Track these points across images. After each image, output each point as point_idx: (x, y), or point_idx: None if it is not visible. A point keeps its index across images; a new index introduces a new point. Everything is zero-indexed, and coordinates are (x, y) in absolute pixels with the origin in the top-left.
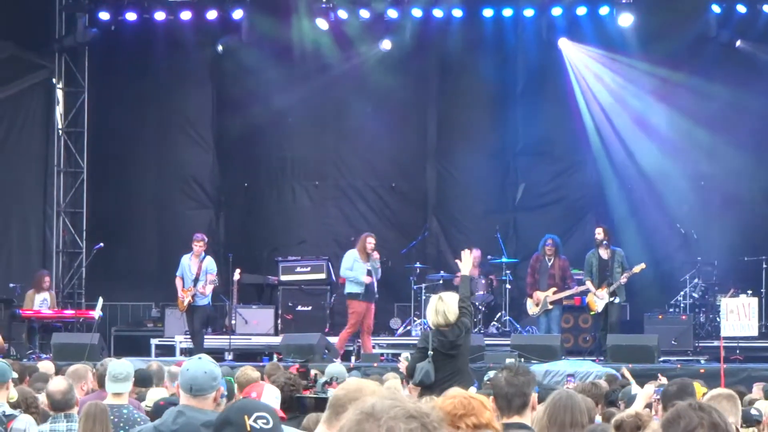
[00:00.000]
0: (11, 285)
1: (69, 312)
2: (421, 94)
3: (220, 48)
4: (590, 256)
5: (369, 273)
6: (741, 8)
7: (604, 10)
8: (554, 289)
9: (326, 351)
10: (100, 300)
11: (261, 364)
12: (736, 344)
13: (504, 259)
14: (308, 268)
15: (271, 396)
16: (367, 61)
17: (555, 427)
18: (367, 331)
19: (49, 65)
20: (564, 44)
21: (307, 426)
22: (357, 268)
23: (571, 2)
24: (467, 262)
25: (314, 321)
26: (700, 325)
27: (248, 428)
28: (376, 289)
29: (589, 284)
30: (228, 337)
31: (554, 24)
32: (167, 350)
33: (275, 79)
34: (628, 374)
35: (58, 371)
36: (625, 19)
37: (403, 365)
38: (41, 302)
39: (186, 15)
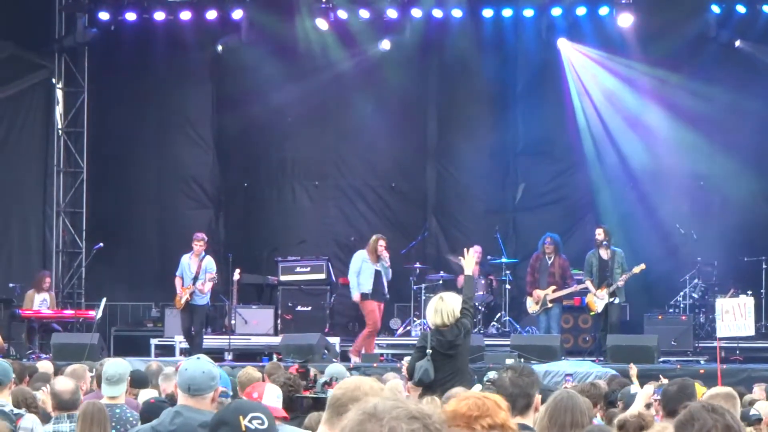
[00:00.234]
0: (11, 285)
1: (68, 312)
2: (420, 94)
3: (219, 48)
4: (590, 256)
5: (378, 274)
6: (741, 8)
7: (603, 11)
8: (554, 287)
9: (326, 351)
10: (104, 301)
11: (260, 364)
12: (736, 345)
13: (504, 260)
14: (308, 268)
15: (272, 395)
16: (367, 61)
17: (556, 427)
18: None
19: (48, 65)
20: (563, 44)
21: (309, 425)
22: (365, 269)
23: (571, 2)
24: (470, 261)
25: (314, 321)
26: (699, 326)
27: (243, 428)
28: (386, 289)
29: (589, 284)
30: (228, 337)
31: (554, 24)
32: (167, 350)
33: (275, 78)
34: (633, 373)
35: (57, 371)
36: (625, 20)
37: (405, 368)
38: (41, 302)
39: (186, 15)
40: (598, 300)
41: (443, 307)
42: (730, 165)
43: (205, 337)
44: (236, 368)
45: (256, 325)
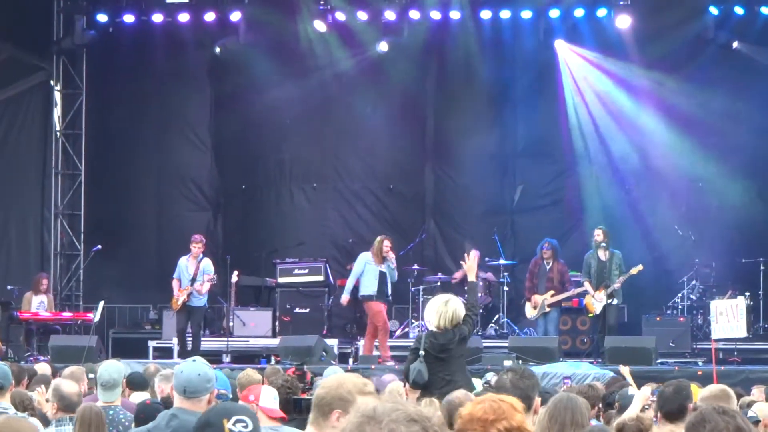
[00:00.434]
0: (9, 287)
1: (67, 314)
2: (419, 96)
3: (217, 50)
4: (588, 257)
5: (382, 275)
6: (739, 10)
7: (601, 12)
8: (552, 292)
9: (324, 353)
10: (101, 303)
11: (258, 366)
12: (734, 346)
13: (502, 261)
14: (306, 270)
15: (269, 397)
16: (365, 62)
17: (556, 426)
18: (373, 333)
19: (47, 67)
20: (560, 46)
21: None
22: (369, 271)
23: (569, 4)
24: (473, 266)
25: (312, 323)
26: (698, 327)
27: (227, 431)
28: (390, 291)
29: (587, 285)
30: (226, 339)
31: (552, 26)
32: (165, 352)
33: (273, 80)
34: (626, 373)
35: (55, 374)
36: (623, 21)
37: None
38: (38, 304)
39: (184, 17)
40: (596, 302)
41: (445, 311)
42: (728, 166)
43: (203, 339)
44: (236, 370)
45: (254, 327)
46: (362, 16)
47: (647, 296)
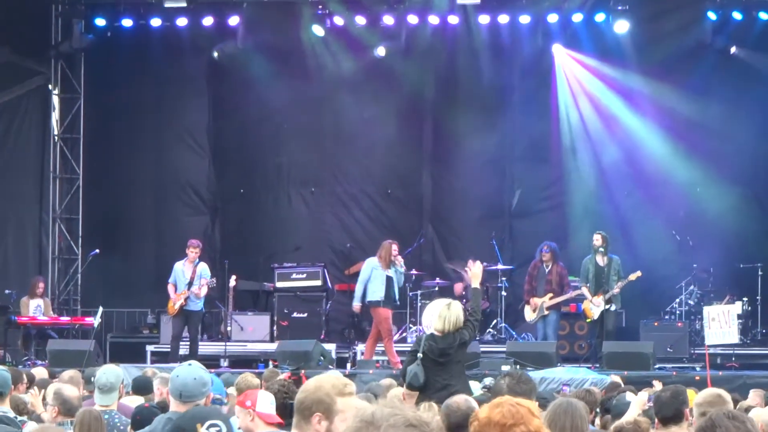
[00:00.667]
0: (7, 291)
1: (65, 318)
2: (416, 101)
3: (215, 54)
4: (587, 262)
5: (389, 280)
6: (737, 15)
7: (600, 17)
8: (550, 294)
9: (321, 358)
10: (100, 309)
11: (256, 371)
12: (731, 351)
13: (500, 266)
14: (304, 275)
15: (266, 402)
16: (363, 67)
17: (555, 431)
18: (376, 338)
19: (45, 71)
20: (557, 50)
21: None
22: (376, 276)
23: (567, 9)
24: (477, 274)
25: (310, 328)
26: (695, 333)
27: None
28: (397, 295)
29: (585, 290)
30: (223, 343)
31: (550, 31)
32: (163, 357)
33: (271, 85)
34: (618, 380)
35: (52, 378)
36: (621, 26)
37: None
38: (35, 308)
39: (182, 21)
40: (594, 307)
41: (448, 315)
42: (726, 171)
43: (201, 343)
44: (235, 374)
45: (252, 331)
46: (360, 20)
47: (645, 301)
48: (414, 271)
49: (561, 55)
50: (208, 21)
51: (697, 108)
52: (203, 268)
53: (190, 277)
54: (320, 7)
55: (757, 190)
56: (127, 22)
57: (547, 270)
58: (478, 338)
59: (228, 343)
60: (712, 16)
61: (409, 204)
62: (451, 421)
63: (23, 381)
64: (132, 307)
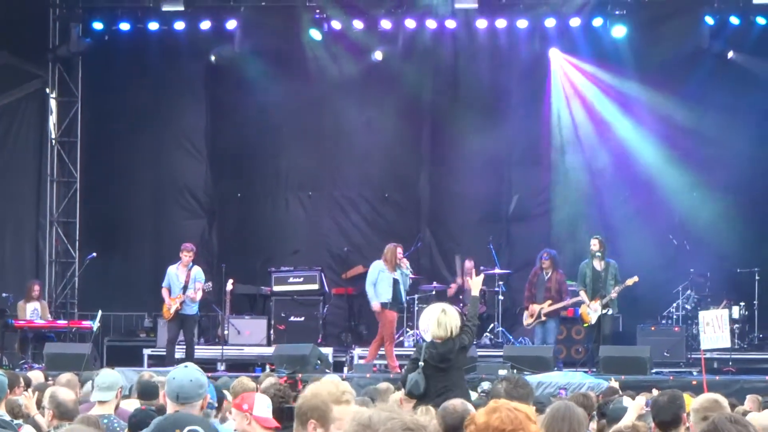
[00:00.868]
0: (4, 295)
1: (62, 322)
2: (414, 105)
3: (213, 58)
4: (584, 267)
5: (395, 283)
6: (734, 20)
7: (597, 22)
8: (549, 301)
9: (318, 362)
10: (99, 313)
11: (253, 375)
12: (728, 356)
13: (497, 270)
14: (301, 279)
15: (263, 406)
16: (361, 71)
17: None
18: (381, 340)
19: (42, 75)
20: (554, 54)
21: None
22: (383, 279)
23: (565, 14)
24: (478, 283)
25: (307, 331)
26: (692, 337)
27: None
28: (404, 298)
29: (582, 295)
30: (220, 347)
31: (548, 35)
32: (160, 360)
33: (269, 89)
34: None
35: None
36: (618, 31)
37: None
38: (32, 312)
39: (179, 25)
40: (592, 311)
41: (447, 321)
42: (723, 176)
43: (197, 347)
44: (232, 378)
45: (249, 335)
46: (358, 24)
47: (642, 306)
48: (411, 275)
49: (558, 59)
50: (205, 25)
51: (694, 113)
52: (197, 271)
53: (184, 281)
54: (318, 11)
55: (755, 194)
56: (124, 26)
57: (546, 277)
58: (475, 343)
59: (225, 347)
60: (709, 20)
61: (407, 208)
62: (447, 423)
63: (20, 384)
64: (129, 311)
